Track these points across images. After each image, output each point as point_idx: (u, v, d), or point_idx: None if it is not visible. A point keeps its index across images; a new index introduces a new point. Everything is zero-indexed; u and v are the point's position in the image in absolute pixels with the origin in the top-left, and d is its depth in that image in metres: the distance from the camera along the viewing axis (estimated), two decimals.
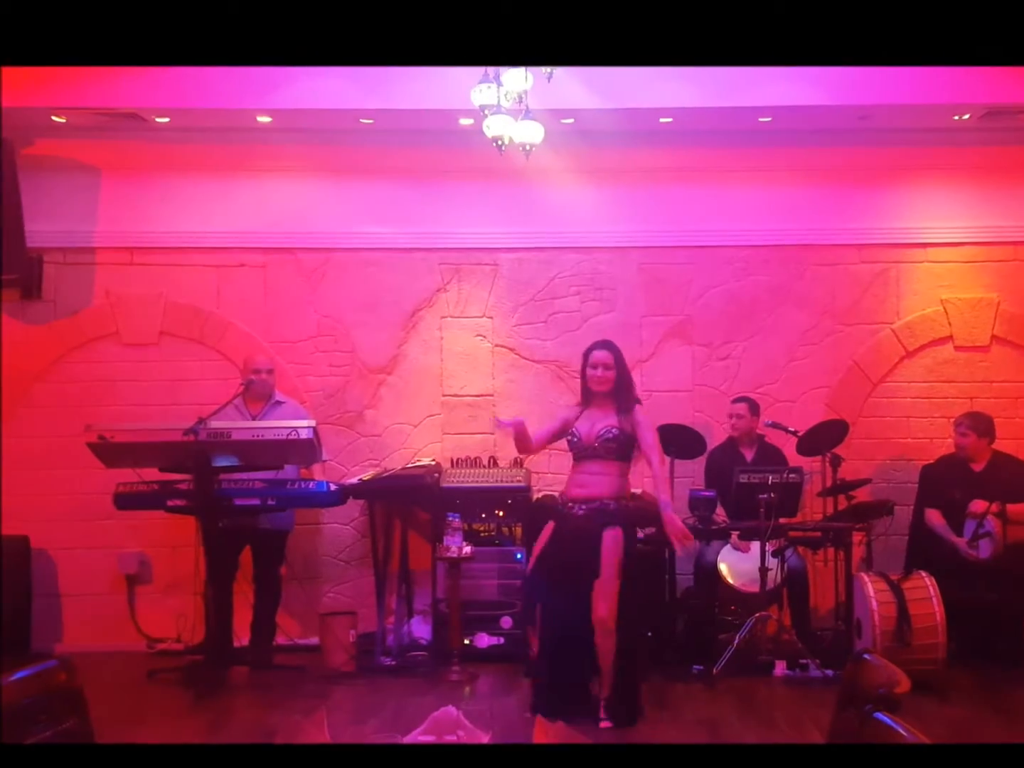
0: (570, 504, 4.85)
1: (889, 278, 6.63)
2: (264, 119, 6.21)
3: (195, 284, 6.62)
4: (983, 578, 5.63)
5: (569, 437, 4.93)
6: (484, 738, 2.20)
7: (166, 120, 6.23)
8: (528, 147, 4.39)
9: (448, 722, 2.25)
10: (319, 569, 6.59)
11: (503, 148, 4.33)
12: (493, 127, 4.31)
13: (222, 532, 5.60)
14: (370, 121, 6.20)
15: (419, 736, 2.29)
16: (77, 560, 6.51)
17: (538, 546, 4.91)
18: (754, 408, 6.25)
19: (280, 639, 6.15)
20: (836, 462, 6.01)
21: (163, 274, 6.62)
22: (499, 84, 4.29)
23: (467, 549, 5.68)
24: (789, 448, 6.23)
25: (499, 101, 4.27)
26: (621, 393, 4.93)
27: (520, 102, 4.26)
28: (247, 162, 6.54)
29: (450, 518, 5.70)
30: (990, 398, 6.49)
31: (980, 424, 5.96)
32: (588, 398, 4.99)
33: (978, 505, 5.69)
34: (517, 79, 4.22)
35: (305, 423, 5.58)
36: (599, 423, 4.88)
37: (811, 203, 6.59)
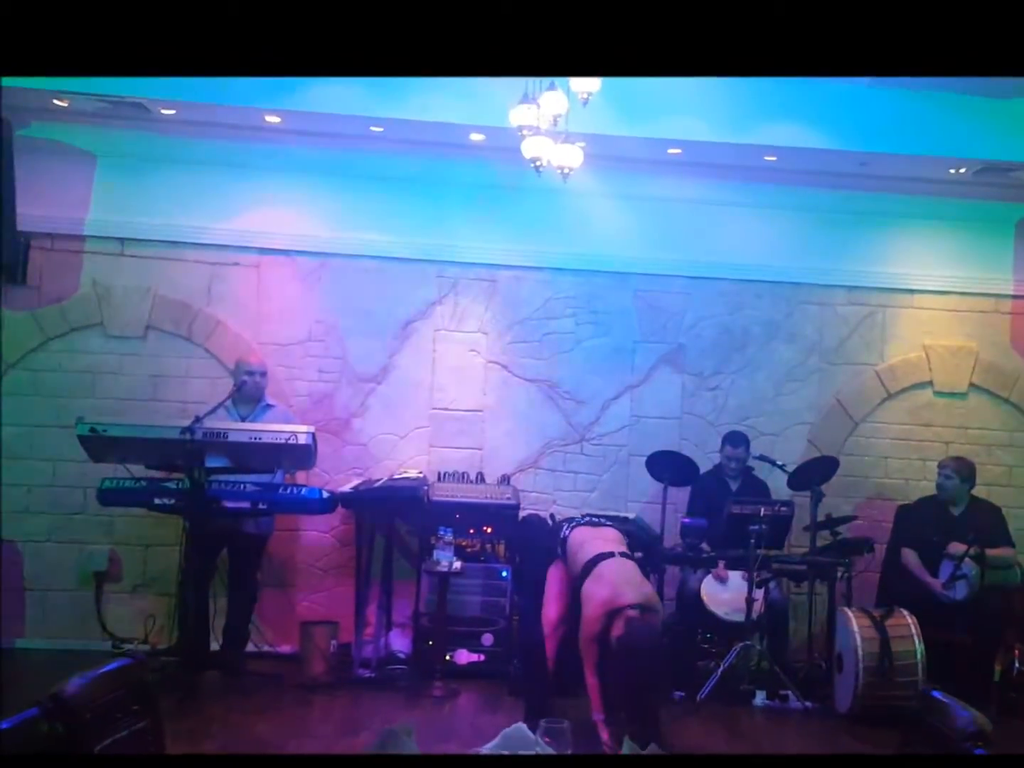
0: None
1: (876, 321, 6.81)
2: (273, 119, 6.14)
3: (186, 279, 6.49)
4: (954, 617, 5.75)
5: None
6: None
7: (172, 112, 6.12)
8: (566, 170, 4.40)
9: (522, 739, 2.24)
10: (295, 576, 6.49)
11: (540, 170, 4.34)
12: (530, 148, 4.32)
13: (205, 534, 5.48)
14: (380, 129, 6.17)
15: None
16: (44, 553, 6.33)
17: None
18: (749, 447, 6.37)
19: (251, 645, 6.04)
20: (818, 497, 6.13)
21: (154, 267, 6.48)
22: (537, 105, 4.29)
23: (457, 564, 5.66)
24: (772, 482, 6.34)
25: (538, 122, 4.28)
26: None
27: (555, 124, 4.28)
28: (249, 160, 6.45)
29: (442, 532, 5.67)
30: (965, 444, 6.68)
31: (964, 469, 6.13)
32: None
33: (957, 547, 5.83)
34: (554, 101, 4.23)
35: (304, 428, 5.53)
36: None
37: (806, 242, 6.73)
